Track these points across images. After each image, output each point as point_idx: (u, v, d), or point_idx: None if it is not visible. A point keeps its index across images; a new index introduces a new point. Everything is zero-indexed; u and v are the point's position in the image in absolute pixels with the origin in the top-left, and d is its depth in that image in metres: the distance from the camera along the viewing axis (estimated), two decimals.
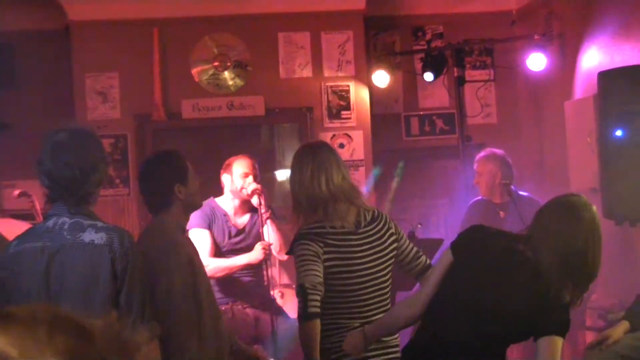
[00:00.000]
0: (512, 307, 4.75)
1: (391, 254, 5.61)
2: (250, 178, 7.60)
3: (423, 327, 5.01)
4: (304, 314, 5.30)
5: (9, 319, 1.31)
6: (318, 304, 5.30)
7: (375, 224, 5.61)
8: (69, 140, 4.60)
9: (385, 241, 5.59)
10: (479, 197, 9.11)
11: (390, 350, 5.57)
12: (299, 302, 5.36)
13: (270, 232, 7.66)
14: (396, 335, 5.62)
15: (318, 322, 5.30)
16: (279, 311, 7.97)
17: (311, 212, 5.52)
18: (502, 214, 8.73)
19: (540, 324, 4.68)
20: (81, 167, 4.55)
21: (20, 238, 4.72)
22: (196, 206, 6.16)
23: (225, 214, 7.75)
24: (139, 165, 6.67)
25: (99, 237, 4.55)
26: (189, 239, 6.09)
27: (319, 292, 5.31)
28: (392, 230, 5.67)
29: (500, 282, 4.79)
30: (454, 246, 4.93)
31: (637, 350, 6.60)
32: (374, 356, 5.53)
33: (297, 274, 5.43)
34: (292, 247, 5.55)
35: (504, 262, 4.83)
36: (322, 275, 5.35)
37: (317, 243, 5.38)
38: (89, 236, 4.56)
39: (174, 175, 5.84)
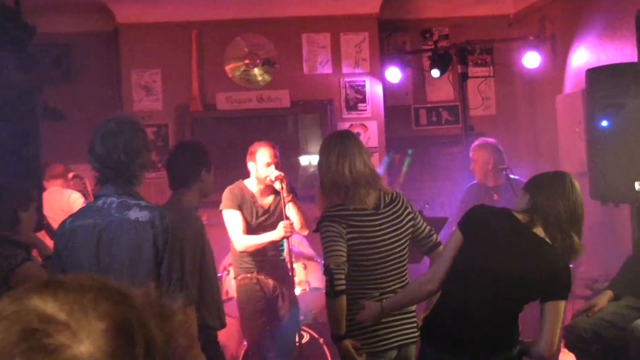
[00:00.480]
0: (522, 277, 4.75)
1: (408, 232, 5.62)
2: (272, 167, 7.59)
3: (443, 300, 5.00)
4: (332, 292, 5.33)
5: (59, 287, 1.32)
6: (343, 281, 5.33)
7: (393, 204, 5.61)
8: (117, 128, 4.61)
9: (403, 220, 5.59)
10: (474, 182, 9.10)
11: (406, 315, 5.56)
12: (326, 280, 5.40)
13: (291, 212, 7.67)
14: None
15: (344, 298, 5.34)
16: (293, 284, 8.01)
17: (335, 195, 5.53)
18: (495, 196, 8.71)
19: (548, 290, 4.71)
20: (127, 152, 4.57)
21: (74, 216, 4.76)
22: (208, 194, 6.41)
23: (253, 196, 7.75)
24: (176, 146, 6.93)
25: (142, 215, 4.58)
26: (199, 218, 6.24)
27: (343, 271, 5.33)
28: (409, 210, 5.69)
29: (509, 254, 4.79)
30: (461, 226, 4.92)
31: (620, 317, 6.60)
32: (391, 321, 5.54)
33: (324, 254, 5.47)
34: (318, 227, 5.57)
35: (510, 236, 4.83)
36: (345, 254, 5.36)
37: (340, 224, 5.39)
38: (134, 214, 4.58)
39: (203, 161, 6.22)
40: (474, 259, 4.84)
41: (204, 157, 6.29)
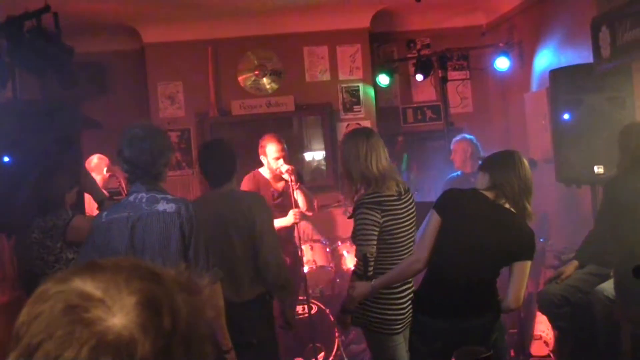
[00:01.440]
0: (498, 246, 4.77)
1: (415, 218, 5.61)
2: (281, 160, 7.61)
3: (431, 274, 4.99)
4: (364, 276, 5.25)
5: (97, 268, 1.34)
6: (372, 268, 5.31)
7: (408, 195, 5.59)
8: (142, 134, 4.66)
9: (412, 207, 5.58)
10: (454, 174, 9.12)
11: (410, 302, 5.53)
12: (360, 265, 5.32)
13: (299, 198, 7.70)
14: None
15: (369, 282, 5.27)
16: (301, 262, 8.07)
17: (364, 184, 5.48)
18: (472, 180, 8.72)
19: (518, 253, 4.75)
20: (152, 153, 4.62)
21: (110, 210, 4.81)
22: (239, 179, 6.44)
23: (268, 182, 7.81)
24: (206, 146, 6.34)
25: (169, 207, 4.63)
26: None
27: (374, 259, 5.32)
28: (414, 202, 5.67)
29: (485, 227, 4.81)
30: (438, 208, 4.93)
31: (585, 283, 6.63)
32: (404, 307, 5.50)
33: (359, 239, 5.38)
34: (354, 213, 5.49)
35: (483, 211, 4.85)
36: (376, 243, 5.34)
37: (376, 211, 5.34)
38: (162, 206, 4.63)
39: (236, 154, 6.01)
40: (455, 235, 4.85)
41: (234, 151, 6.12)
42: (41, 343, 1.24)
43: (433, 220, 4.92)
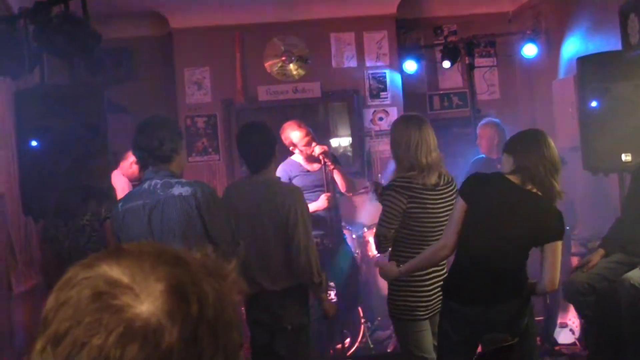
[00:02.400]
0: (525, 229, 4.75)
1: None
2: (313, 144, 7.63)
3: (459, 260, 4.98)
4: (379, 251, 5.74)
5: (122, 254, 1.34)
6: (386, 246, 5.56)
7: (448, 185, 5.62)
8: (149, 121, 4.96)
9: (453, 200, 5.53)
10: (479, 156, 9.07)
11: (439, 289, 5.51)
12: (375, 242, 5.66)
13: (337, 178, 7.85)
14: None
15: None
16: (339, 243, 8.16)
17: (410, 172, 5.51)
18: (498, 166, 8.69)
19: (547, 235, 4.73)
20: (158, 137, 4.79)
21: (124, 200, 4.97)
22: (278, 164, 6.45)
23: (301, 165, 7.90)
24: (244, 129, 6.06)
25: (185, 190, 4.74)
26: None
27: (388, 240, 5.49)
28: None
29: (511, 212, 4.79)
30: (463, 194, 4.91)
31: (611, 271, 6.60)
32: (431, 293, 5.54)
33: (380, 219, 5.53)
34: (383, 193, 5.58)
35: (508, 196, 4.82)
36: (395, 227, 5.46)
37: (403, 195, 5.42)
38: (177, 190, 4.75)
39: (275, 138, 6.09)
40: (480, 221, 4.83)
41: (274, 135, 6.11)
42: (69, 330, 1.24)
43: (459, 205, 4.90)
